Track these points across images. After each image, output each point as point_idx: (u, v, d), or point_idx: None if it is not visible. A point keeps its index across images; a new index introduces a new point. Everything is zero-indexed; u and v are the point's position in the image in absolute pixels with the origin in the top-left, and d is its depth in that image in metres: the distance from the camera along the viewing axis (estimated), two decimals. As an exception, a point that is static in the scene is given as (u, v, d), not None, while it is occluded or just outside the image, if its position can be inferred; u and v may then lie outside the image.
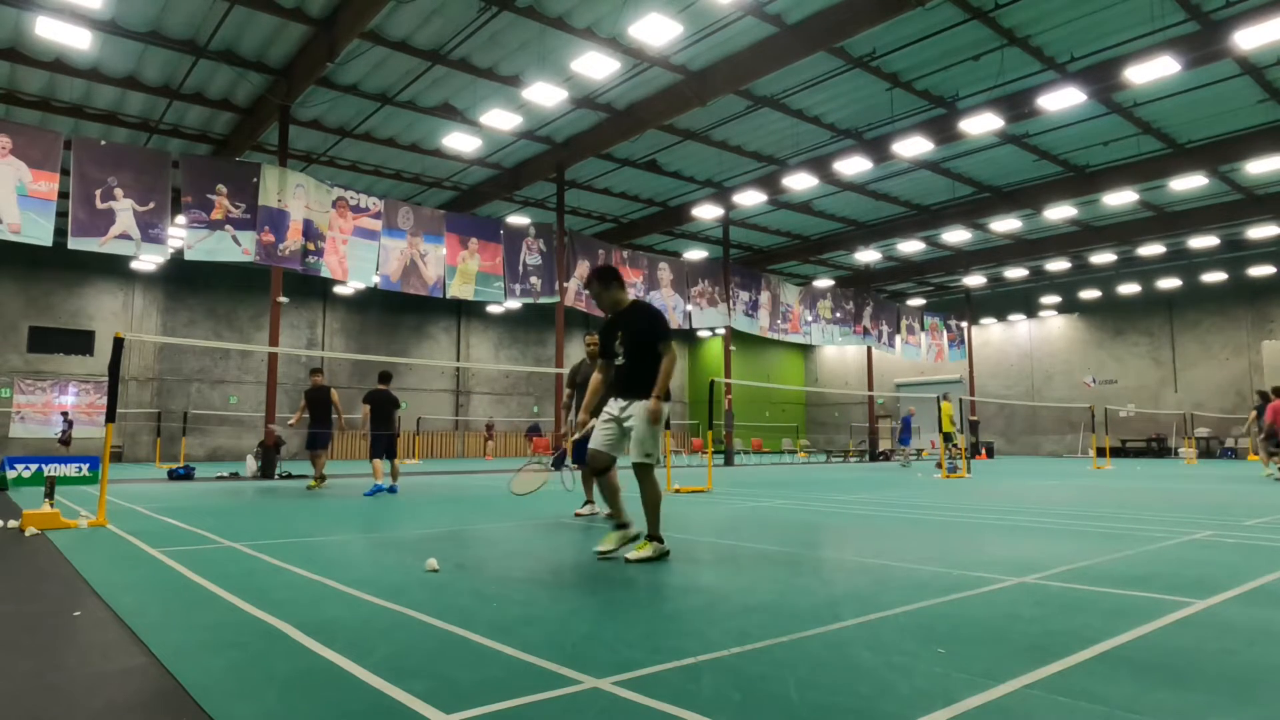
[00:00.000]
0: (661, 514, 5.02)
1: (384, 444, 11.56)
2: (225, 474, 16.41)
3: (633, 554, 4.80)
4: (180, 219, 14.83)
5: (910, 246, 29.04)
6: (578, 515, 7.34)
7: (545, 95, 14.70)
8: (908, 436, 22.65)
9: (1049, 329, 35.34)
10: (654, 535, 4.93)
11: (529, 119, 17.83)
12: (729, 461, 24.72)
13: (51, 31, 12.69)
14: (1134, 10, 13.85)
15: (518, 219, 20.89)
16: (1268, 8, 13.10)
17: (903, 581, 4.21)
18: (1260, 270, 28.73)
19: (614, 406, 5.10)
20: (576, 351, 38.27)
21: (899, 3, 12.71)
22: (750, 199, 21.75)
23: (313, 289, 30.66)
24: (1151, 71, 13.84)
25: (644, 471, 4.98)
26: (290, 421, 12.44)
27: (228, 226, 14.64)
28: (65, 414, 24.67)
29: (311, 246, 15.70)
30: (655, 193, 23.81)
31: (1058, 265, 31.06)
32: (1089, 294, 33.60)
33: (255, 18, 13.97)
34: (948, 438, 18.38)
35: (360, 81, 16.42)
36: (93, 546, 5.61)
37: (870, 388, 33.17)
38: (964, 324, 34.66)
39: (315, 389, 12.29)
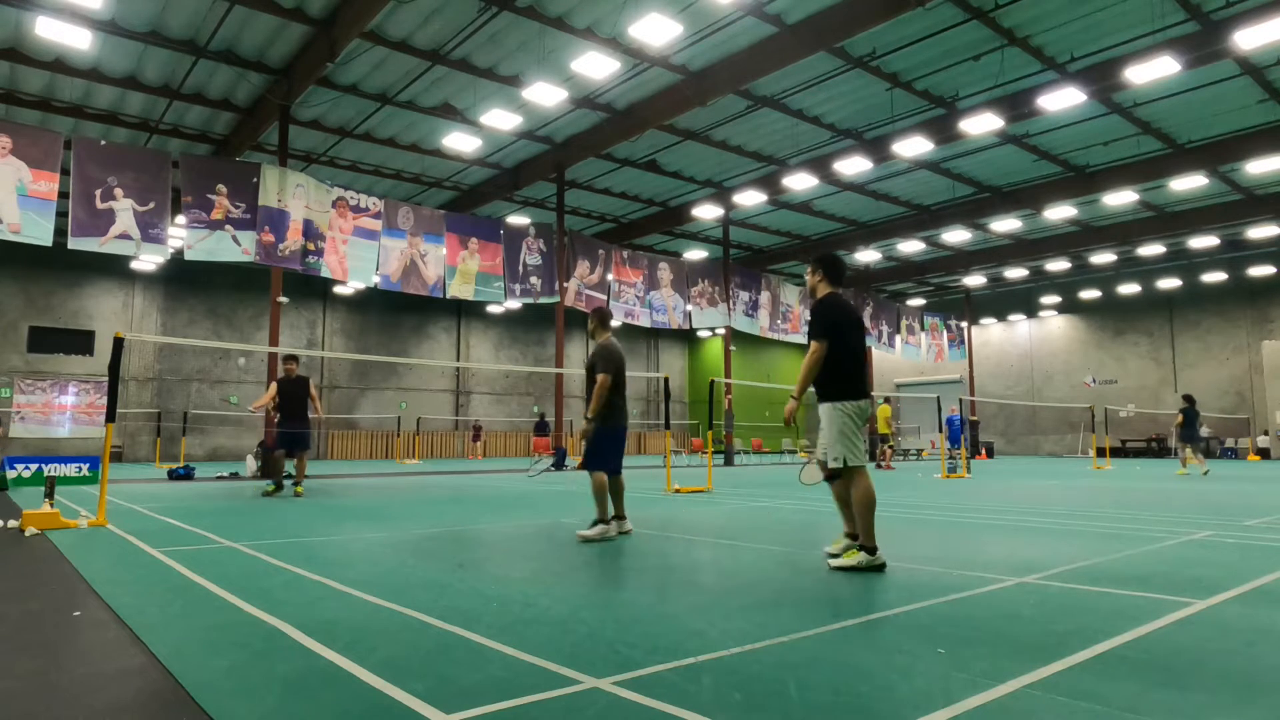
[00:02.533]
0: (873, 522, 4.61)
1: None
2: (225, 474, 16.42)
3: (836, 561, 4.61)
4: (180, 219, 14.82)
5: (910, 246, 29.03)
6: (581, 537, 5.94)
7: (545, 95, 14.70)
8: (957, 436, 20.93)
9: (1049, 329, 35.34)
10: (864, 545, 4.58)
11: (529, 119, 17.83)
12: (729, 462, 24.71)
13: (51, 31, 12.69)
14: (1134, 10, 13.84)
15: (518, 219, 20.89)
16: (1268, 8, 13.09)
17: (903, 581, 4.21)
18: (1260, 270, 28.73)
19: None
20: (577, 351, 38.26)
21: (899, 3, 12.69)
22: (750, 199, 21.74)
23: (313, 289, 30.66)
24: (1151, 71, 13.83)
25: (844, 473, 4.76)
26: (254, 405, 11.14)
27: (228, 226, 14.63)
28: None
29: (311, 246, 15.70)
30: (655, 193, 23.81)
31: (1058, 265, 31.05)
32: (1089, 294, 33.60)
33: (255, 18, 13.97)
34: (883, 438, 20.21)
35: (360, 81, 16.41)
36: (93, 546, 5.62)
37: (870, 388, 33.15)
38: (964, 324, 34.66)
39: (291, 380, 10.93)
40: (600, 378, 6.12)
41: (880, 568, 4.52)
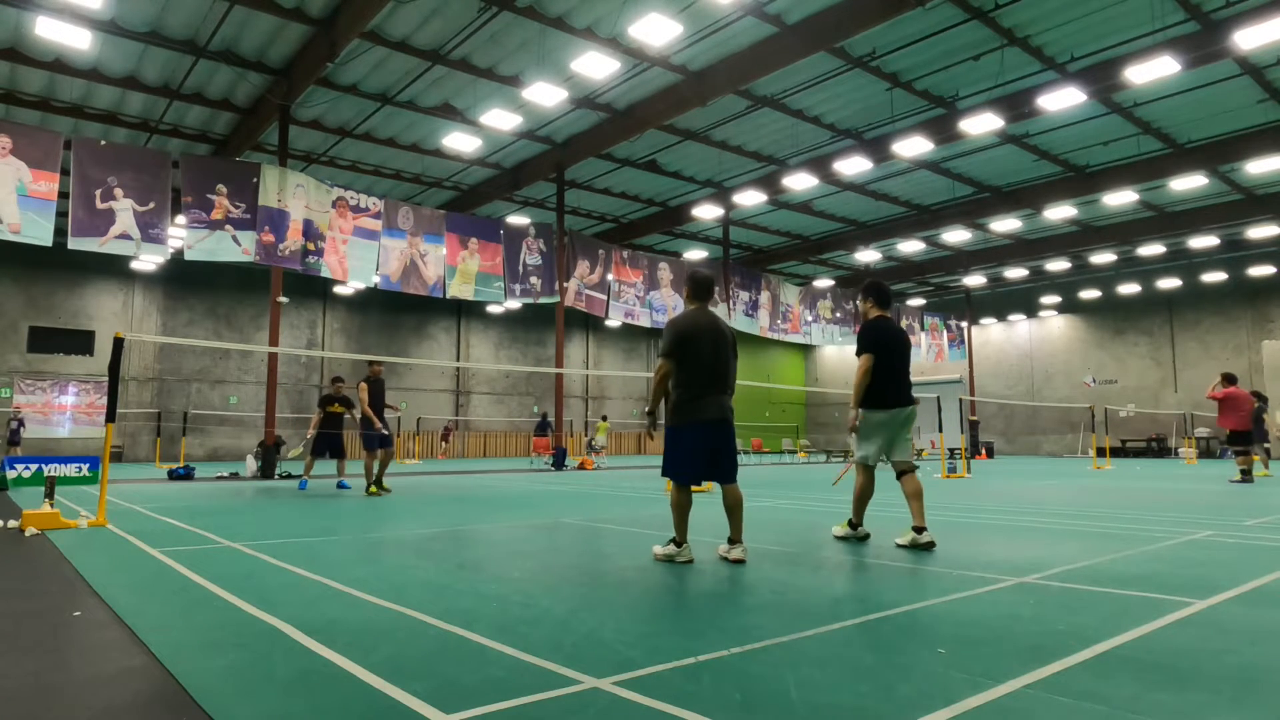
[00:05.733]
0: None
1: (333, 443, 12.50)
2: (225, 474, 16.42)
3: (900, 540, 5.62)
4: (180, 219, 14.82)
5: (910, 246, 29.03)
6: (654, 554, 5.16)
7: (545, 95, 14.69)
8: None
9: (1049, 329, 35.33)
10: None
11: (529, 119, 17.83)
12: (729, 461, 24.69)
13: (51, 31, 12.68)
14: (1134, 10, 13.84)
15: (518, 219, 20.88)
16: (1268, 8, 13.09)
17: (903, 581, 4.21)
18: (1260, 270, 28.72)
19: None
20: (577, 352, 38.23)
21: (899, 3, 12.70)
22: (750, 199, 21.74)
23: (313, 289, 30.65)
24: (1151, 71, 13.83)
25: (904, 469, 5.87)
26: (377, 417, 11.11)
27: (228, 226, 14.63)
28: None
29: (311, 246, 15.70)
30: (655, 193, 23.81)
31: (1058, 265, 31.05)
32: (1089, 294, 33.60)
33: (255, 18, 13.97)
34: None
35: (360, 81, 16.41)
36: (93, 546, 5.62)
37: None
38: (964, 324, 34.65)
39: (378, 379, 11.33)
40: (658, 363, 5.11)
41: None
